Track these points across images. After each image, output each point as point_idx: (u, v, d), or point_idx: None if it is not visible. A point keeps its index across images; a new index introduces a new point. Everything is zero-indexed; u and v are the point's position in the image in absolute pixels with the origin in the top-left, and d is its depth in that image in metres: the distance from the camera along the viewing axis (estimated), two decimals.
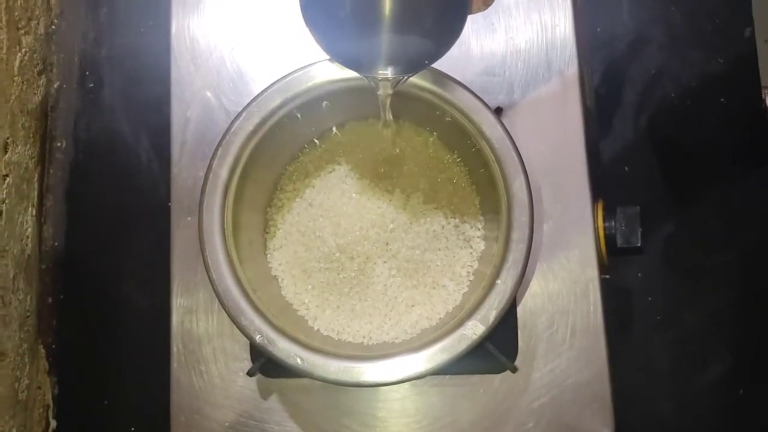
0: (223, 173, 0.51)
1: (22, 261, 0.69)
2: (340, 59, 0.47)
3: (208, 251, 0.50)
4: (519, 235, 0.49)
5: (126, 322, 0.70)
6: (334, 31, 0.44)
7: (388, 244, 0.55)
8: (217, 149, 0.51)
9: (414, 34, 0.45)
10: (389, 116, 0.51)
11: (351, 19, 0.44)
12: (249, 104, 0.52)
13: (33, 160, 0.71)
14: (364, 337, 0.53)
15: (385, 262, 0.54)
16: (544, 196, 0.56)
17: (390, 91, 0.48)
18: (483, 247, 0.55)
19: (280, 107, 0.51)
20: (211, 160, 0.51)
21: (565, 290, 0.55)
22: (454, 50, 0.58)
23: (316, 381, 0.50)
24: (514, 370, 0.53)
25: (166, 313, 0.58)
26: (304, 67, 0.51)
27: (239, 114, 0.52)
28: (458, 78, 0.51)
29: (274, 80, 0.52)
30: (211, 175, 0.51)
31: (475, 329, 0.48)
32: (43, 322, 0.71)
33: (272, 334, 0.49)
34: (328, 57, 0.48)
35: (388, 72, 0.45)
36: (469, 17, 0.45)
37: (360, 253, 0.54)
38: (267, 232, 0.56)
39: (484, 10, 0.46)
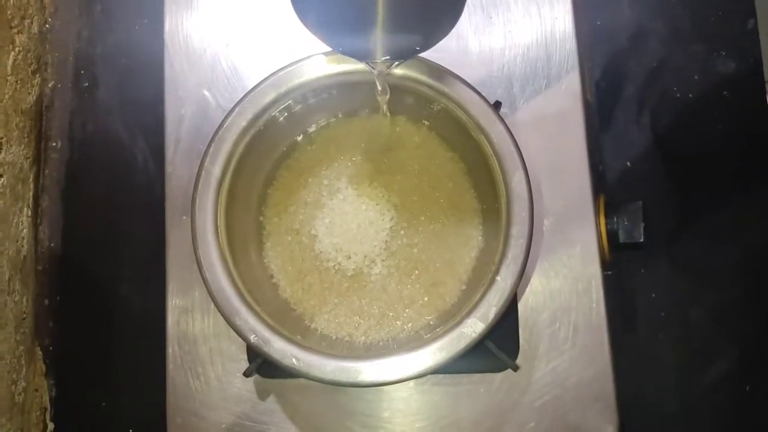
0: (216, 171, 0.50)
1: (17, 262, 0.68)
2: (333, 45, 0.46)
3: (201, 250, 0.49)
4: (518, 230, 0.48)
5: (123, 322, 0.69)
6: (325, 16, 0.43)
7: (386, 242, 0.54)
8: (209, 146, 0.51)
9: (409, 19, 0.43)
10: (386, 86, 0.50)
11: (342, 5, 0.43)
12: (241, 100, 0.51)
13: (28, 160, 0.71)
14: (362, 336, 0.52)
15: (383, 260, 0.54)
16: (544, 192, 0.55)
17: (386, 70, 0.47)
18: (482, 244, 0.54)
19: (273, 102, 0.51)
20: (203, 158, 0.50)
21: (566, 287, 0.54)
22: (453, 44, 0.58)
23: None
24: (516, 368, 0.52)
25: (162, 314, 0.57)
26: (297, 61, 0.51)
27: (231, 110, 0.51)
28: (456, 72, 0.50)
29: (267, 75, 0.51)
30: (203, 173, 0.50)
31: (474, 327, 0.47)
32: (39, 324, 0.70)
33: (267, 334, 0.48)
34: (321, 42, 0.47)
35: (384, 59, 0.44)
36: (467, 10, 0.44)
37: (358, 252, 0.54)
38: (262, 230, 0.56)
39: None
